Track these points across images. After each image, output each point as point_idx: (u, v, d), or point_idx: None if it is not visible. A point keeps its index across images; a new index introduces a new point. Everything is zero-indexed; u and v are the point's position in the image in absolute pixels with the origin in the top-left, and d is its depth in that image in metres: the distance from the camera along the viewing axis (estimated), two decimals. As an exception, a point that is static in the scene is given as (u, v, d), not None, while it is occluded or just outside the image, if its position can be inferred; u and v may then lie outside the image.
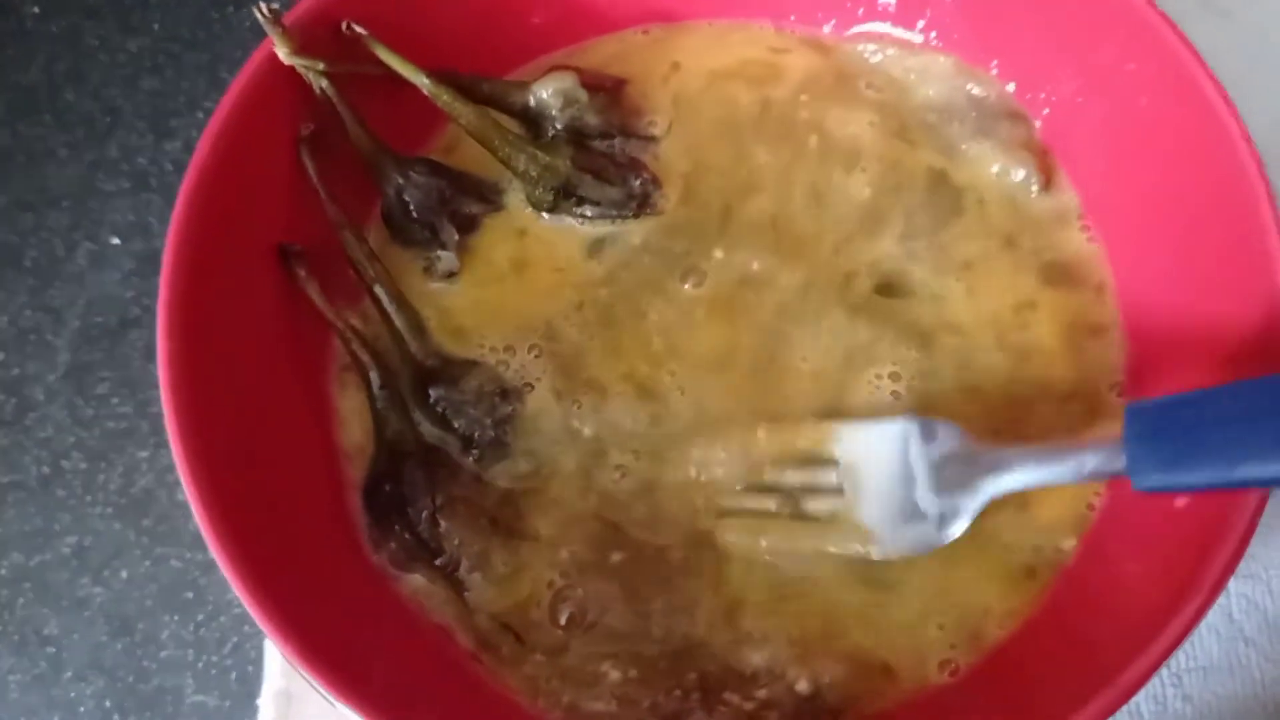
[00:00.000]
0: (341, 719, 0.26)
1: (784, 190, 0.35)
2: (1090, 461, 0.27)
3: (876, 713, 0.30)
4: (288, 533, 0.29)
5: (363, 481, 0.32)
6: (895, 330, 0.33)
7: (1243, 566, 0.35)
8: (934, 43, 0.37)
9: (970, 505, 0.29)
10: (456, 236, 0.35)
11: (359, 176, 0.34)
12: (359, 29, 0.33)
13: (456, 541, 0.31)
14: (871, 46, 0.37)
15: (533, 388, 0.33)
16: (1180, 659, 0.34)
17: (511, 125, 0.35)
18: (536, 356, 0.33)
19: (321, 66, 0.32)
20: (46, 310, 0.41)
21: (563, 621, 0.30)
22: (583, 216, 0.35)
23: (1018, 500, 0.31)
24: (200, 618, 0.37)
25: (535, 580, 0.31)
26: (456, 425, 0.32)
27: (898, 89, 0.37)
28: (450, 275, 0.35)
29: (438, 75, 0.34)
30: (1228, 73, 0.31)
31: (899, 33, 0.37)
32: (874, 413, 0.32)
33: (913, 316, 0.33)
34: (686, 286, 0.34)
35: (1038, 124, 0.36)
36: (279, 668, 0.34)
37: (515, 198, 0.35)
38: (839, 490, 0.30)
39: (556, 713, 0.29)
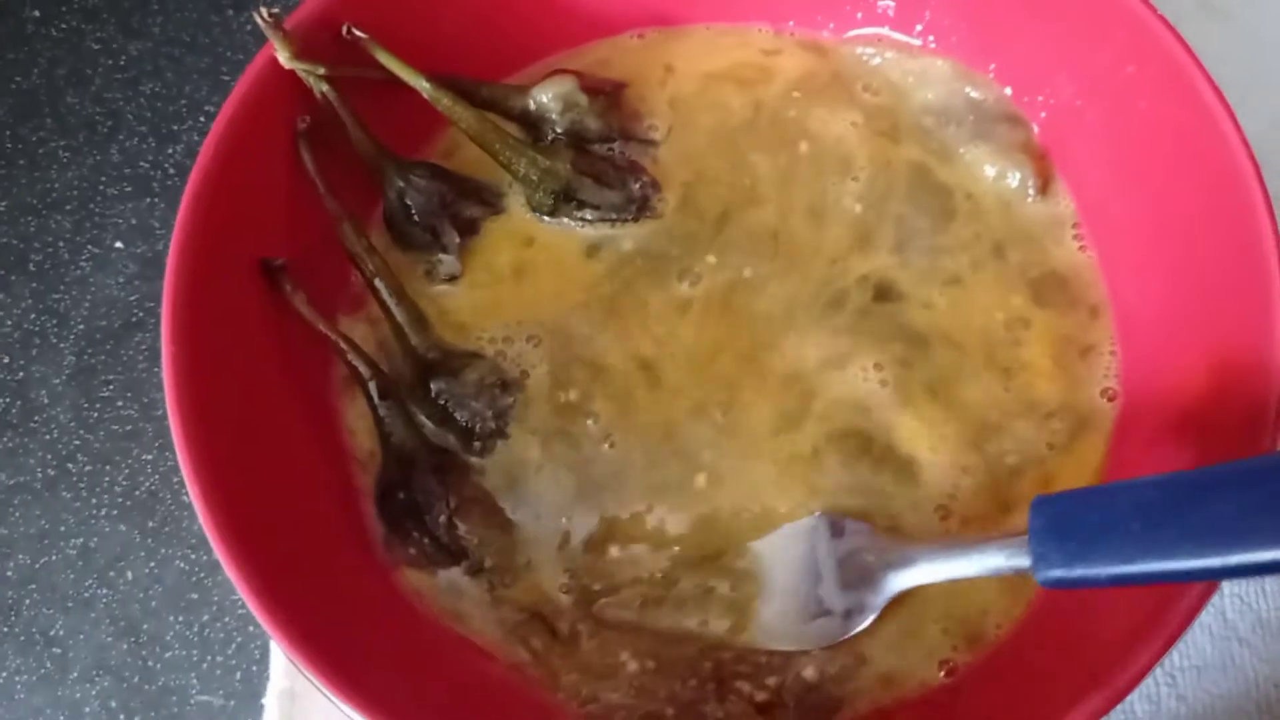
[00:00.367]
0: (346, 718, 0.26)
1: (777, 193, 0.35)
2: (995, 557, 0.26)
3: (875, 710, 0.30)
4: (291, 533, 0.30)
5: (374, 490, 0.32)
6: (884, 330, 0.33)
7: (1238, 566, 0.35)
8: (932, 46, 0.37)
9: (875, 601, 0.29)
10: (458, 240, 0.35)
11: (360, 180, 0.35)
12: (359, 33, 0.33)
13: (476, 541, 0.31)
14: (870, 49, 0.37)
15: (528, 375, 0.33)
16: (1175, 658, 0.34)
17: (511, 129, 0.35)
18: (535, 346, 0.33)
19: (322, 71, 0.32)
20: (51, 314, 0.42)
21: (586, 611, 0.31)
22: (583, 220, 0.35)
23: (1003, 503, 0.32)
24: (205, 618, 0.37)
25: (553, 571, 0.31)
26: (458, 418, 0.32)
27: (896, 92, 0.37)
28: (452, 278, 0.35)
29: (438, 79, 0.34)
30: (1226, 75, 0.31)
31: (897, 36, 0.37)
32: (856, 403, 0.32)
33: (904, 320, 0.34)
34: (684, 286, 0.34)
35: (1035, 128, 0.36)
36: (283, 667, 0.35)
37: (516, 201, 0.36)
38: (746, 578, 0.30)
39: (574, 705, 0.30)
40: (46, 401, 0.40)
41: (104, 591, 0.38)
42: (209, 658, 0.37)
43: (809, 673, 0.30)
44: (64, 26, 0.46)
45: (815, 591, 0.30)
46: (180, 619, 0.37)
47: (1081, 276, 0.34)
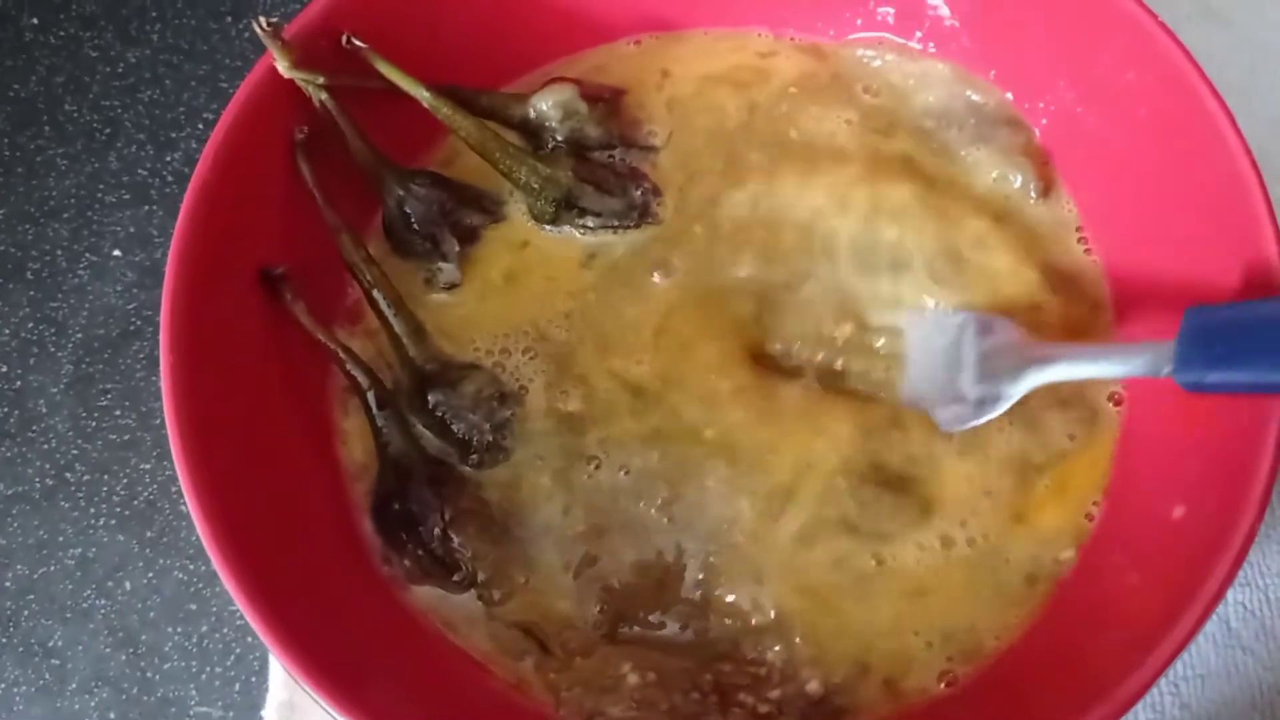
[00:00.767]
0: (345, 732, 0.26)
1: (774, 195, 0.35)
2: (1138, 358, 0.28)
3: (878, 720, 0.30)
4: (290, 545, 0.30)
5: (370, 500, 0.32)
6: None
7: (1240, 575, 0.35)
8: (932, 51, 0.37)
9: (1011, 391, 0.30)
10: (458, 248, 0.35)
11: (359, 188, 0.35)
12: (359, 43, 0.33)
13: (471, 554, 0.31)
14: (871, 52, 0.37)
15: (527, 390, 0.33)
16: (1178, 667, 0.34)
17: (511, 137, 0.35)
18: (532, 358, 0.33)
19: (321, 80, 0.32)
20: (49, 322, 0.41)
21: (583, 624, 0.30)
22: (584, 227, 0.35)
23: (1015, 512, 0.31)
24: (204, 629, 0.37)
25: (551, 586, 0.31)
26: (456, 430, 0.32)
27: (896, 94, 0.37)
28: (452, 286, 0.35)
29: (438, 89, 0.34)
30: (1226, 80, 0.31)
31: (898, 39, 0.37)
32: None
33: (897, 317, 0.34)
34: (656, 279, 0.34)
35: (1037, 132, 0.36)
36: (282, 679, 0.35)
37: (516, 209, 0.35)
38: (884, 356, 0.32)
39: (577, 719, 0.30)
40: (44, 411, 0.40)
41: (102, 602, 0.38)
42: (208, 669, 0.37)
43: (812, 686, 0.30)
44: (62, 34, 0.45)
45: (955, 380, 0.31)
46: (179, 630, 0.37)
47: (1087, 277, 0.34)
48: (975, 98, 0.37)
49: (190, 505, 0.27)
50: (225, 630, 0.37)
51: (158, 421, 0.39)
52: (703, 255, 0.34)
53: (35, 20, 0.46)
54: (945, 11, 0.36)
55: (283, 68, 0.31)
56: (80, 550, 0.38)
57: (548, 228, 0.35)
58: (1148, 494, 0.30)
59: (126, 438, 0.40)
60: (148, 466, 0.39)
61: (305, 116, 0.33)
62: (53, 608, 0.38)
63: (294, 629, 0.27)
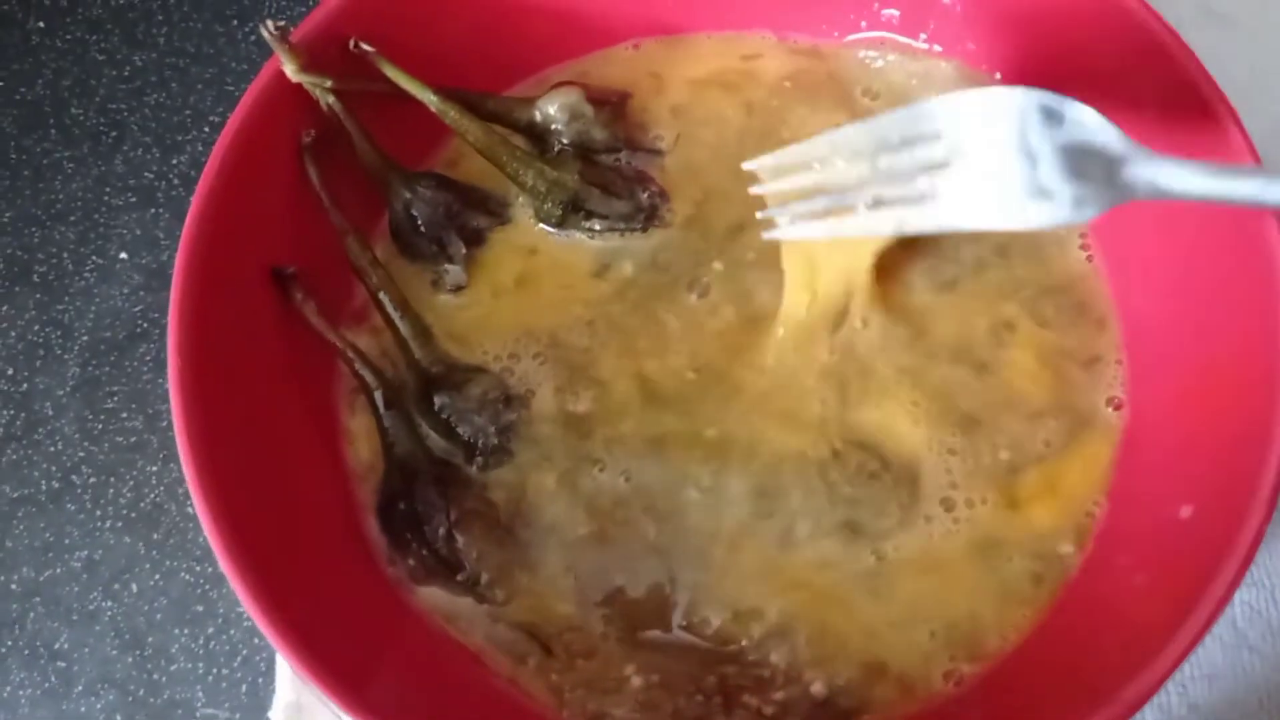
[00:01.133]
0: (353, 733, 0.26)
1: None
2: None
3: (883, 721, 0.30)
4: (296, 545, 0.30)
5: (375, 500, 0.32)
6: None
7: (1247, 574, 0.35)
8: (937, 51, 0.37)
9: (1109, 195, 0.25)
10: (464, 250, 0.35)
11: (365, 191, 0.35)
12: (366, 47, 0.33)
13: (475, 555, 0.31)
14: (873, 52, 0.38)
15: (534, 394, 0.33)
16: (1185, 667, 0.34)
17: (518, 141, 0.35)
18: (542, 363, 0.33)
19: (329, 83, 0.32)
20: (55, 325, 0.41)
21: (587, 626, 0.30)
22: (591, 230, 0.35)
23: (1010, 496, 0.31)
24: (210, 630, 0.37)
25: (554, 588, 0.31)
26: (461, 432, 0.32)
27: (898, 95, 0.37)
28: (458, 289, 0.35)
29: (445, 92, 0.34)
30: (1230, 80, 0.31)
31: (901, 39, 0.37)
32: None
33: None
34: (693, 298, 0.34)
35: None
36: (289, 680, 0.35)
37: (522, 211, 0.36)
38: (941, 165, 0.26)
39: (580, 720, 0.30)
40: (51, 414, 0.40)
41: (109, 604, 0.38)
42: (214, 670, 0.37)
43: (816, 687, 0.30)
44: (68, 37, 0.46)
45: (1033, 174, 0.25)
46: (185, 632, 0.37)
47: (1088, 285, 0.34)
48: (979, 96, 0.37)
49: (197, 507, 0.27)
50: (232, 632, 0.37)
51: (164, 424, 0.40)
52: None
53: (41, 24, 0.46)
54: (950, 12, 0.36)
55: (290, 71, 0.31)
56: (87, 552, 0.38)
57: (554, 230, 0.35)
58: (1153, 495, 0.30)
59: (133, 440, 0.40)
60: (154, 469, 0.39)
61: (312, 120, 0.33)
62: (59, 610, 0.38)
63: (300, 629, 0.27)
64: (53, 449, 0.40)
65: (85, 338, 0.41)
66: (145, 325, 0.41)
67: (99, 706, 0.37)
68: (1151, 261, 0.33)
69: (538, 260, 0.35)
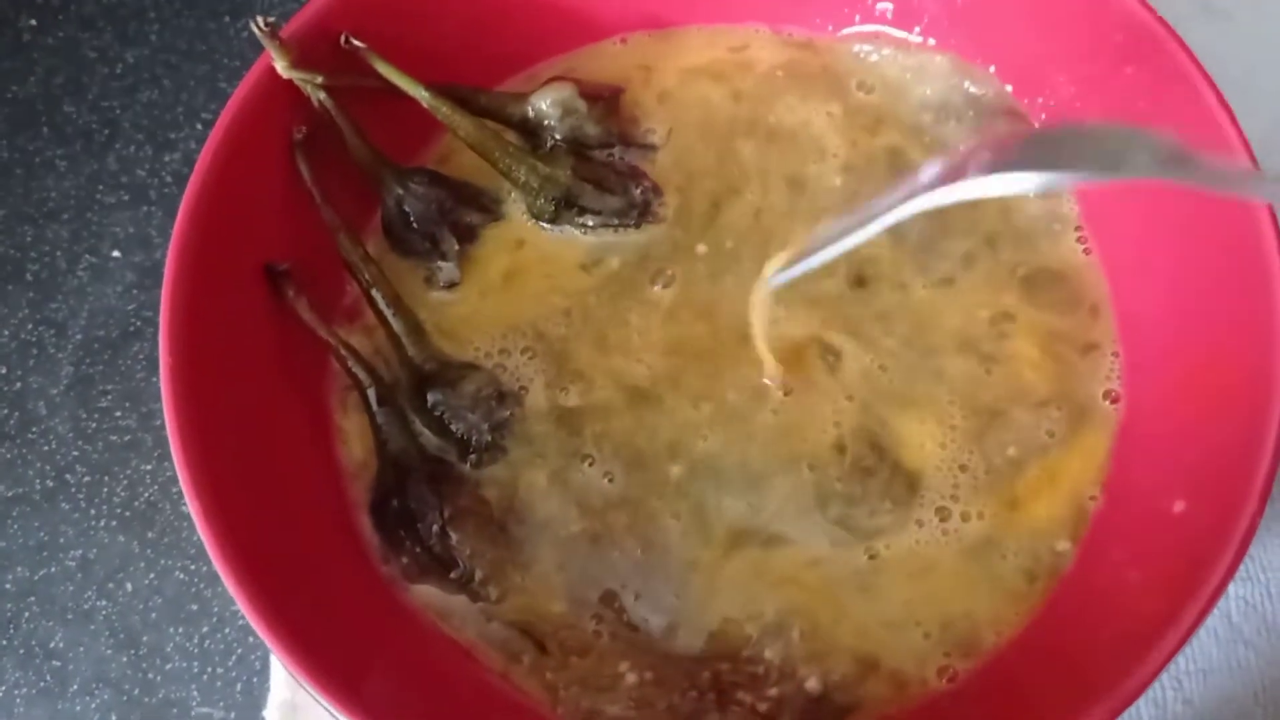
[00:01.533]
0: (347, 731, 0.26)
1: (758, 173, 0.35)
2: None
3: (879, 718, 0.30)
4: (290, 543, 0.30)
5: (369, 498, 0.32)
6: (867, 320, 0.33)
7: (1242, 569, 0.35)
8: (931, 44, 0.37)
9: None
10: (457, 246, 0.35)
11: (358, 187, 0.35)
12: (356, 42, 0.33)
13: (468, 552, 0.31)
14: (868, 46, 0.37)
15: (527, 390, 0.33)
16: (1180, 662, 0.34)
17: (510, 137, 0.35)
18: (531, 358, 0.33)
19: (320, 80, 0.32)
20: (48, 324, 0.41)
21: (580, 624, 0.30)
22: (584, 226, 0.35)
23: (1010, 499, 0.31)
24: (205, 629, 0.37)
25: (547, 585, 0.31)
26: (454, 430, 0.32)
27: (892, 89, 0.37)
28: (451, 285, 0.35)
29: (436, 88, 0.34)
30: (1226, 76, 0.31)
31: (896, 33, 0.37)
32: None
33: (883, 307, 0.34)
34: (657, 289, 0.34)
35: (1037, 125, 0.36)
36: (284, 679, 0.35)
37: (515, 207, 0.35)
38: None
39: (575, 718, 0.30)
40: (44, 412, 0.40)
41: (104, 603, 0.38)
42: (209, 669, 0.37)
43: (811, 684, 0.30)
44: (60, 35, 0.45)
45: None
46: (180, 630, 0.37)
47: (1083, 277, 0.34)
48: (974, 89, 0.37)
49: (190, 505, 0.27)
50: (227, 631, 0.37)
51: (159, 422, 0.39)
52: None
53: (34, 22, 0.46)
54: (944, 5, 0.36)
55: (281, 68, 0.31)
56: (81, 552, 0.38)
57: (548, 226, 0.35)
58: (1148, 489, 0.30)
59: (127, 439, 0.40)
60: (149, 467, 0.39)
61: (304, 116, 0.33)
62: (54, 609, 0.38)
63: (294, 628, 0.27)
64: (46, 448, 0.40)
65: (79, 336, 0.41)
66: (139, 324, 0.41)
67: (94, 706, 0.37)
68: (1147, 254, 0.33)
69: (530, 256, 0.35)
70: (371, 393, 0.32)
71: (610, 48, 0.38)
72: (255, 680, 0.36)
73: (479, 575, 0.31)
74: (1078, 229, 0.35)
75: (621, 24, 0.37)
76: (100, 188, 0.43)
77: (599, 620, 0.31)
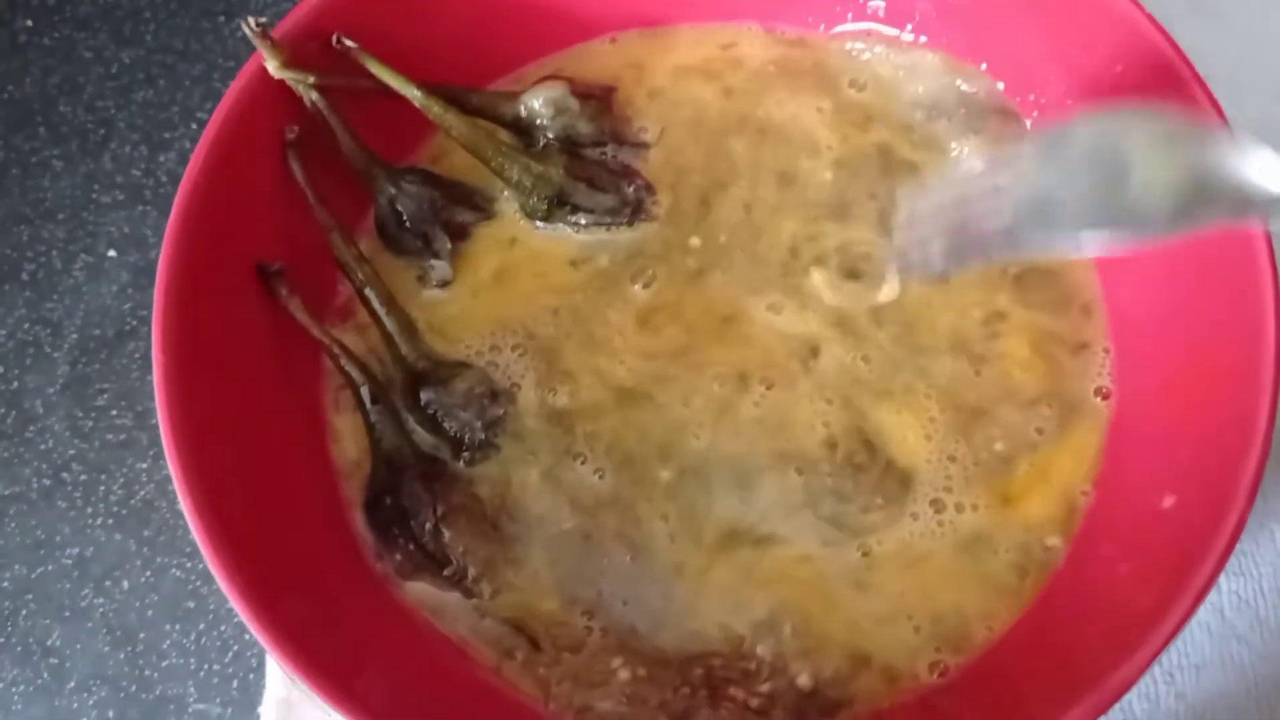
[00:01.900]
0: (341, 727, 0.26)
1: (749, 168, 0.36)
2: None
3: (870, 712, 0.30)
4: (284, 541, 0.30)
5: (362, 496, 0.32)
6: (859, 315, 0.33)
7: (1235, 564, 0.35)
8: (923, 42, 0.37)
9: (1212, 213, 0.24)
10: (449, 245, 0.35)
11: (350, 187, 0.35)
12: (348, 42, 0.33)
13: (461, 549, 0.31)
14: (860, 44, 0.37)
15: (519, 387, 0.33)
16: (1173, 657, 0.34)
17: (503, 135, 0.35)
18: (521, 355, 0.33)
19: (311, 79, 0.32)
20: (45, 323, 0.41)
21: (572, 621, 0.31)
22: (577, 224, 0.35)
23: (1002, 495, 0.32)
24: (201, 626, 0.37)
25: (538, 583, 0.31)
26: (447, 428, 0.32)
27: (884, 87, 0.37)
28: (444, 284, 0.35)
29: (429, 87, 0.34)
30: (1216, 73, 0.31)
31: (887, 31, 0.37)
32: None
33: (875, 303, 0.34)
34: (638, 287, 0.34)
35: (1028, 124, 0.36)
36: (280, 675, 0.35)
37: (507, 206, 0.36)
38: None
39: (568, 715, 0.30)
40: (41, 411, 0.40)
41: (100, 601, 0.38)
42: (206, 666, 0.37)
43: (803, 679, 0.30)
44: (56, 36, 0.46)
45: (1121, 188, 0.24)
46: (177, 628, 0.37)
47: (1075, 277, 0.34)
48: (965, 87, 0.37)
49: (183, 504, 0.27)
50: (223, 628, 0.37)
51: (154, 421, 0.39)
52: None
53: (29, 22, 0.46)
54: (936, 2, 0.36)
55: (272, 68, 0.31)
56: (78, 550, 0.39)
57: (541, 225, 0.35)
58: (1138, 484, 0.31)
59: (123, 437, 0.40)
60: (144, 466, 0.39)
61: (296, 116, 0.33)
62: (51, 607, 0.38)
63: (288, 625, 0.27)
64: (43, 447, 0.40)
65: (75, 336, 0.41)
66: (134, 323, 0.41)
67: (91, 703, 0.37)
68: (1139, 253, 0.33)
69: (521, 254, 0.35)
70: (365, 391, 0.33)
71: (601, 47, 0.38)
72: (251, 677, 0.37)
73: (472, 572, 0.31)
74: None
75: (613, 23, 0.38)
76: (96, 187, 0.43)
77: (590, 617, 0.31)
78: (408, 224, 0.35)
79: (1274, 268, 0.29)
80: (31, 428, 0.40)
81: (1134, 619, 0.27)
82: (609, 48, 0.38)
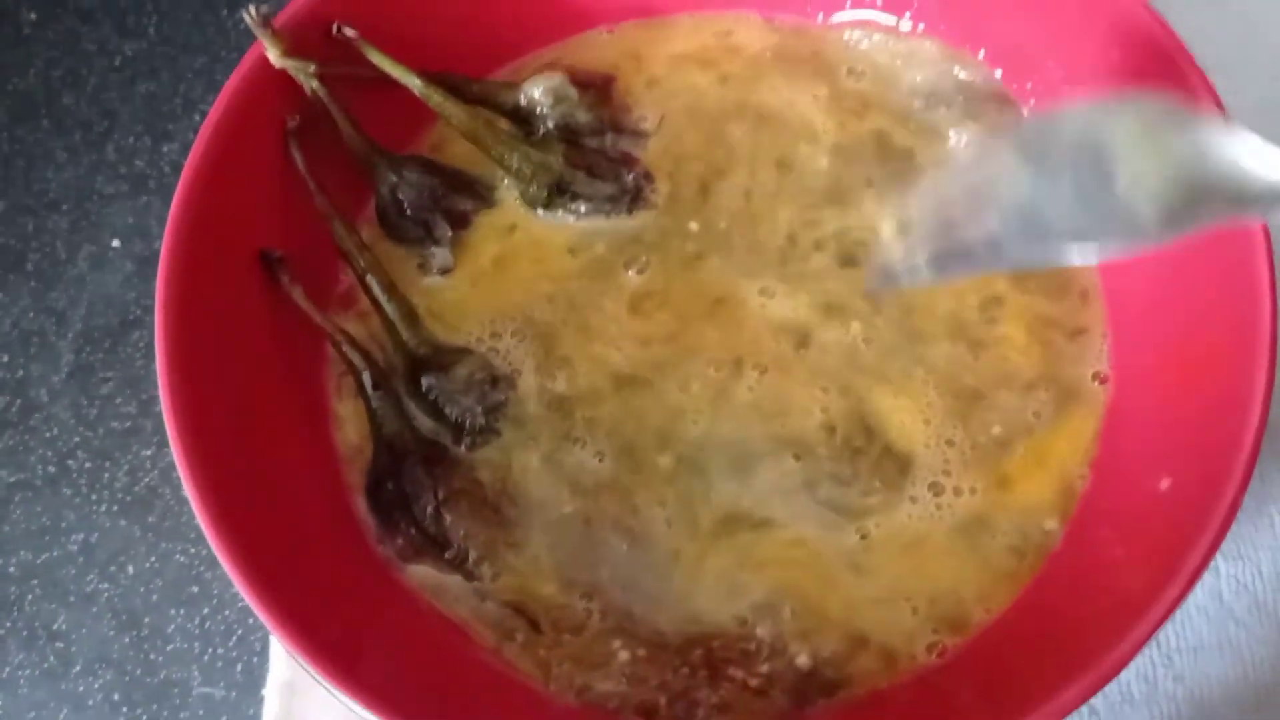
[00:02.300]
0: (345, 709, 0.26)
1: (749, 154, 0.36)
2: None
3: (869, 692, 0.30)
4: (287, 526, 0.30)
5: (364, 481, 0.33)
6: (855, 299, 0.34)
7: (1232, 548, 0.35)
8: (921, 30, 0.37)
9: (1211, 213, 0.23)
10: (450, 233, 0.35)
11: (351, 175, 0.35)
12: (349, 31, 0.33)
13: (462, 533, 0.32)
14: (858, 33, 0.38)
15: (520, 373, 0.33)
16: (1171, 639, 0.34)
17: (503, 124, 0.36)
18: (521, 341, 0.34)
19: (312, 68, 0.32)
20: (49, 313, 0.42)
21: (572, 604, 0.31)
22: (576, 212, 0.35)
23: (999, 478, 0.32)
24: (205, 611, 0.38)
25: (538, 566, 0.31)
26: (448, 413, 0.33)
27: (882, 76, 0.37)
28: (445, 271, 0.35)
29: (429, 76, 0.34)
30: (1213, 58, 0.31)
31: (885, 19, 0.37)
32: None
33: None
34: (631, 273, 0.34)
35: (1025, 111, 0.36)
36: (283, 659, 0.35)
37: (508, 194, 0.36)
38: None
39: (569, 696, 0.30)
40: (46, 400, 0.41)
41: (105, 586, 0.38)
42: (210, 650, 0.37)
43: (802, 660, 0.30)
44: (60, 27, 0.46)
45: (1108, 189, 0.23)
46: (181, 612, 0.38)
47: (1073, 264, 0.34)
48: (963, 75, 0.37)
49: (187, 489, 0.28)
50: (227, 612, 0.38)
51: (158, 409, 0.39)
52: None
53: (34, 15, 0.46)
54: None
55: (273, 57, 0.32)
56: (83, 536, 0.39)
57: (541, 213, 0.35)
58: (1134, 467, 0.31)
59: (127, 425, 0.40)
60: (149, 453, 0.40)
61: (297, 105, 0.33)
62: (56, 592, 0.38)
63: (291, 608, 0.27)
64: (48, 434, 0.40)
65: (79, 325, 0.41)
66: (138, 312, 0.42)
67: (97, 686, 0.37)
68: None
69: (520, 241, 0.35)
70: (366, 377, 0.33)
71: (600, 36, 0.38)
72: (255, 660, 0.37)
73: (473, 555, 0.32)
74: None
75: (611, 13, 0.38)
76: (99, 178, 0.44)
77: (590, 600, 0.31)
78: (409, 212, 0.35)
79: (1269, 252, 0.29)
80: (37, 415, 0.40)
81: (1130, 600, 0.27)
82: (607, 37, 0.38)
